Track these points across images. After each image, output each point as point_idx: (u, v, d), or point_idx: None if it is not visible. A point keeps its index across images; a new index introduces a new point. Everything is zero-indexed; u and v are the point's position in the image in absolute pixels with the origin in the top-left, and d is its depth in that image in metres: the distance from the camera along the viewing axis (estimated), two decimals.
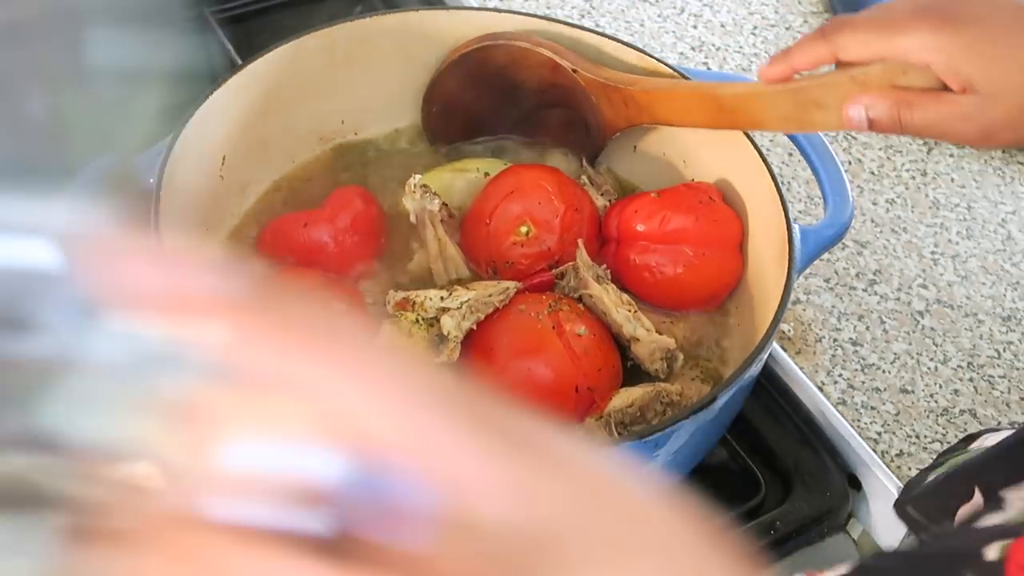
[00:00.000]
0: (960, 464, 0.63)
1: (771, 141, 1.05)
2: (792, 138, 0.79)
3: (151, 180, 0.66)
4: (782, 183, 0.80)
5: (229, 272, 0.25)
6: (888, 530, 0.75)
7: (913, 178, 1.06)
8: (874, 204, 1.03)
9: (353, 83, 0.82)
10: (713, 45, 1.17)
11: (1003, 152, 1.09)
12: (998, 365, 0.92)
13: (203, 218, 0.74)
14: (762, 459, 0.77)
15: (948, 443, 0.84)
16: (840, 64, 0.65)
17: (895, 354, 0.92)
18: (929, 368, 0.91)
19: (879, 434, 0.86)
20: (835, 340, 0.92)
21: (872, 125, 0.63)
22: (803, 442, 0.78)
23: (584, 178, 0.81)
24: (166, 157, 0.67)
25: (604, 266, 0.74)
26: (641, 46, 0.81)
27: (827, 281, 0.96)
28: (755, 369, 0.63)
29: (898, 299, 0.96)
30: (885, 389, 0.89)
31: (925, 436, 0.87)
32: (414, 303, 0.69)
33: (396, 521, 0.24)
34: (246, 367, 0.24)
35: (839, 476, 0.77)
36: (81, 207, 0.24)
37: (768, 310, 0.65)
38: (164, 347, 0.24)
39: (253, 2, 1.00)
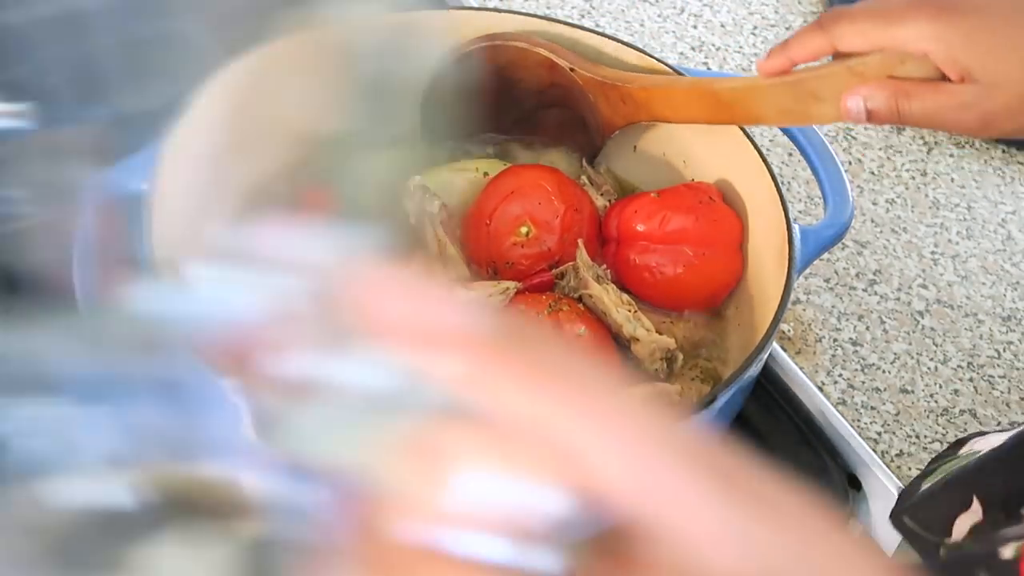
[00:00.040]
0: (955, 472, 0.63)
1: (771, 141, 1.05)
2: (792, 137, 0.79)
3: (143, 185, 0.66)
4: (782, 183, 0.80)
5: (474, 308, 0.25)
6: (888, 530, 0.75)
7: (913, 178, 1.06)
8: (874, 204, 1.03)
9: (351, 82, 0.82)
10: (713, 45, 1.17)
11: (1003, 152, 1.09)
12: (998, 365, 0.92)
13: (191, 221, 0.74)
14: (762, 459, 0.77)
15: (948, 443, 0.84)
16: (838, 55, 0.65)
17: (895, 354, 0.92)
18: (929, 368, 0.91)
19: (879, 434, 0.86)
20: (835, 340, 0.92)
21: (871, 116, 0.63)
22: (803, 442, 0.78)
23: (584, 178, 0.81)
24: (159, 159, 0.67)
25: (604, 266, 0.74)
26: (641, 46, 0.81)
27: (827, 281, 0.96)
28: (755, 369, 0.63)
29: (898, 299, 0.96)
30: (885, 389, 0.89)
31: (925, 436, 0.87)
32: None
33: (622, 566, 0.24)
34: (484, 402, 0.24)
35: (839, 476, 0.77)
36: (339, 237, 0.26)
37: (768, 310, 0.65)
38: (408, 378, 0.25)
39: None
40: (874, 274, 0.97)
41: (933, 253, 1.00)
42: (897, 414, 0.87)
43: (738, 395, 0.65)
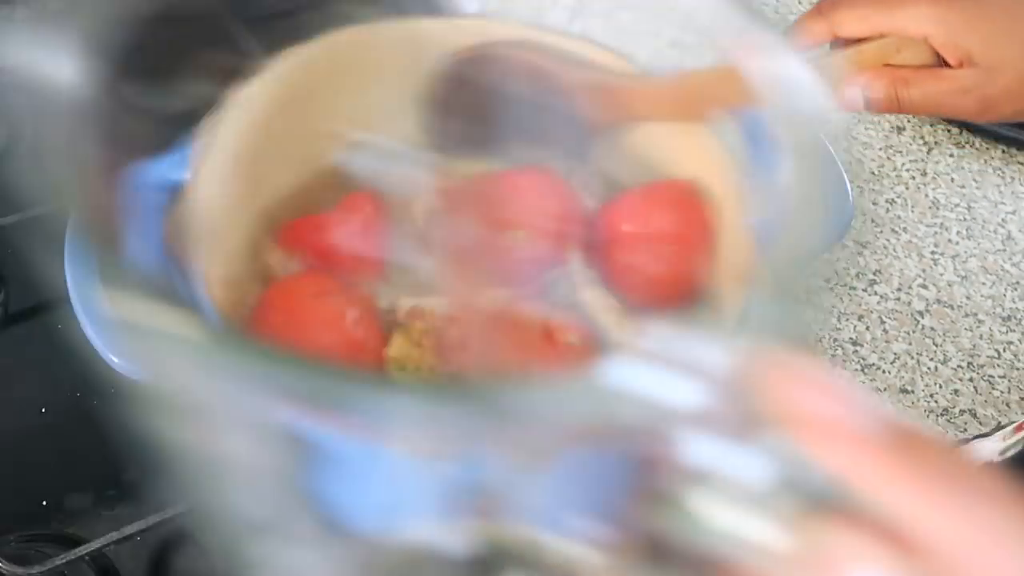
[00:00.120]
0: None
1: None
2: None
3: (179, 181, 0.67)
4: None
5: (870, 404, 0.25)
6: None
7: (913, 178, 1.07)
8: (874, 204, 1.04)
9: (356, 89, 0.83)
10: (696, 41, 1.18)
11: (1003, 152, 1.10)
12: (998, 365, 0.93)
13: (215, 224, 0.75)
14: None
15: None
16: (837, 40, 0.66)
17: (895, 354, 0.93)
18: (929, 368, 0.92)
19: None
20: (835, 340, 0.93)
21: (870, 105, 0.63)
22: None
23: (574, 181, 0.82)
24: (196, 155, 0.68)
25: (593, 271, 0.75)
26: (633, 48, 0.82)
27: (827, 281, 0.97)
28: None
29: (898, 299, 0.97)
30: (885, 389, 0.90)
31: None
32: (423, 312, 0.70)
33: None
34: (880, 504, 0.25)
35: None
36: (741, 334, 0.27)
37: (732, 311, 0.66)
38: (800, 467, 0.25)
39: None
40: (874, 274, 0.98)
41: (933, 253, 1.01)
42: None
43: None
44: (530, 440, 0.27)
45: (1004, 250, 1.02)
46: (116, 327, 0.27)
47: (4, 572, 0.53)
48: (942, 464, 0.25)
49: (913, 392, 0.90)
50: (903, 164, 1.08)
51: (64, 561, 0.55)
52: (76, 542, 0.58)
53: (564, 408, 0.25)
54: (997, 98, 0.60)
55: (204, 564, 0.62)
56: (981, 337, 0.95)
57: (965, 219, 1.04)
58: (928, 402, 0.90)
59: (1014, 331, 0.96)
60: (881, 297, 0.97)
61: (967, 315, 0.96)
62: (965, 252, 1.01)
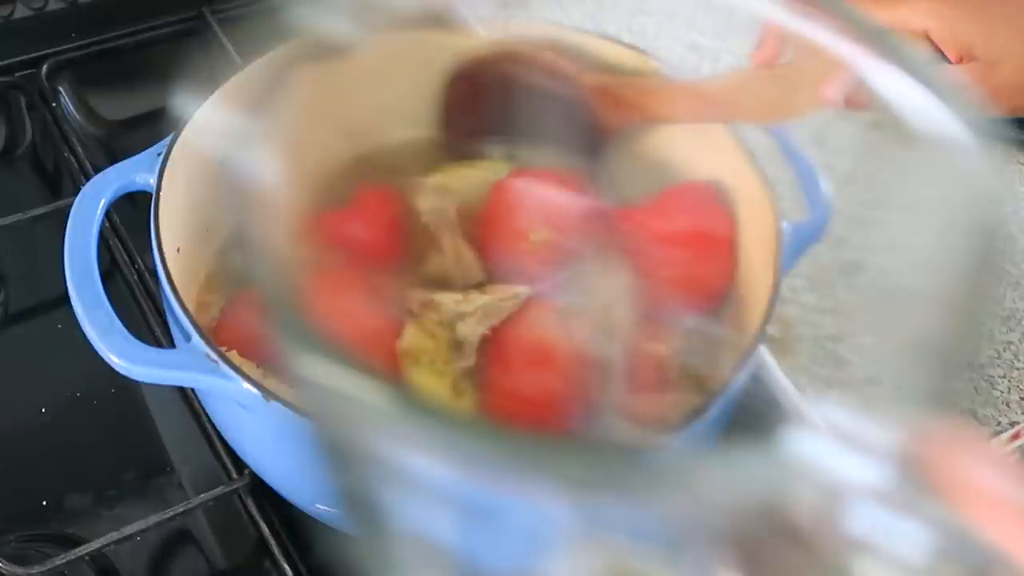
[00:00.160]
0: None
1: (755, 142, 1.05)
2: (774, 135, 0.79)
3: (151, 180, 0.67)
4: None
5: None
6: None
7: None
8: (859, 202, 1.04)
9: (361, 86, 0.83)
10: (714, 46, 1.18)
11: (1003, 152, 1.10)
12: (998, 365, 0.93)
13: (203, 221, 0.75)
14: None
15: None
16: None
17: None
18: None
19: None
20: (835, 340, 0.93)
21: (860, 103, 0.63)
22: None
23: (588, 182, 0.82)
24: (165, 158, 0.68)
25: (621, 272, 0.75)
26: (642, 48, 0.82)
27: (810, 280, 0.97)
28: (746, 374, 0.64)
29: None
30: None
31: None
32: (437, 304, 0.70)
33: None
34: None
35: None
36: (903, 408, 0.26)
37: (756, 312, 0.66)
38: (970, 543, 0.25)
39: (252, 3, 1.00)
40: (866, 272, 0.98)
41: None
42: None
43: (732, 401, 0.66)
44: (697, 511, 0.26)
45: (1004, 250, 1.02)
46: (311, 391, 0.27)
47: (4, 572, 0.53)
48: None
49: None
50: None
51: (64, 561, 0.55)
52: (76, 542, 0.58)
53: (743, 479, 0.25)
54: (998, 91, 0.60)
55: (204, 564, 0.62)
56: (981, 337, 0.95)
57: None
58: None
59: (1014, 331, 0.95)
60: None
61: None
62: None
